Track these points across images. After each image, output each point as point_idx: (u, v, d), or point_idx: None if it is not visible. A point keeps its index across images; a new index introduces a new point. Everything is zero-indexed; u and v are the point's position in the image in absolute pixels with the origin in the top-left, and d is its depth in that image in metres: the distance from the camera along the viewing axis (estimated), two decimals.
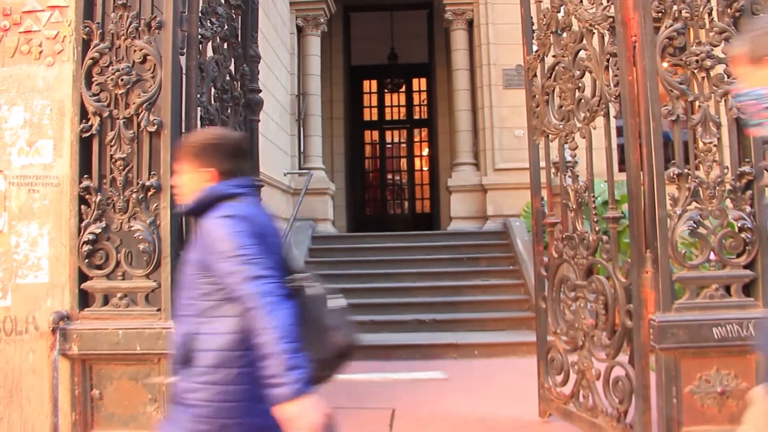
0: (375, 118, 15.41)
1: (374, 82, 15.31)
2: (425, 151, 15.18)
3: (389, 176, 15.49)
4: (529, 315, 7.28)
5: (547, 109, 4.11)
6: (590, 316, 3.66)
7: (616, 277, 3.39)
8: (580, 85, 3.76)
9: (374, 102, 15.37)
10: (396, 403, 4.87)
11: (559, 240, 3.95)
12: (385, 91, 15.42)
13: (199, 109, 3.58)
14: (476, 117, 10.23)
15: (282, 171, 9.11)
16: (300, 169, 9.81)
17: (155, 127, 3.26)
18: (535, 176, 4.35)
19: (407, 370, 6.09)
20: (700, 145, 3.20)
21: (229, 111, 4.14)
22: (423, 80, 15.02)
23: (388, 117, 15.49)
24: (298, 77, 10.19)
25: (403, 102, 15.43)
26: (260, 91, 4.70)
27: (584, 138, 3.71)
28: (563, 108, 3.90)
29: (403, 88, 15.41)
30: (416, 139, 15.44)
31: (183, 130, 3.41)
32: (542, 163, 4.30)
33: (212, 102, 3.80)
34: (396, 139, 15.57)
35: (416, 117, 15.43)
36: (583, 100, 3.71)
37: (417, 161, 15.39)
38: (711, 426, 3.04)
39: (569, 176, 3.90)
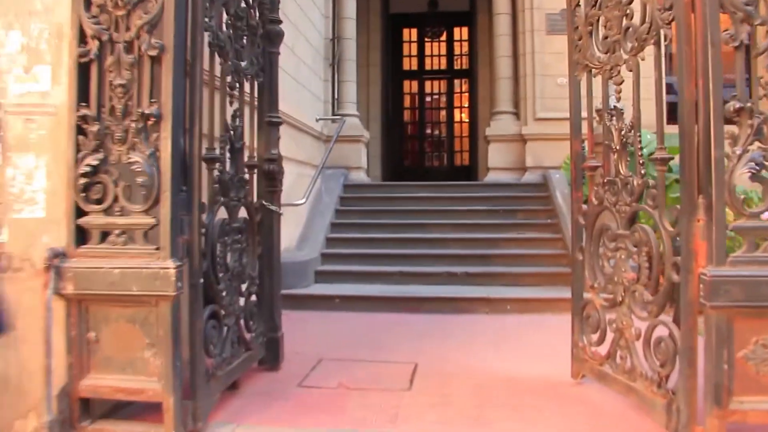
0: (415, 67, 14.94)
1: (414, 31, 14.78)
2: (465, 103, 14.72)
3: (428, 127, 15.09)
4: (566, 271, 6.89)
5: (590, 41, 3.70)
6: (632, 270, 3.32)
7: (663, 225, 3.02)
8: (627, 12, 3.34)
9: (414, 51, 14.86)
10: (420, 358, 4.61)
11: (600, 185, 3.58)
12: (426, 39, 14.90)
13: (207, 34, 3.29)
14: (517, 64, 9.72)
15: (314, 116, 8.80)
16: (333, 115, 9.47)
17: (156, 51, 2.97)
18: (575, 116, 3.97)
19: (435, 324, 5.83)
20: (767, 77, 2.78)
21: (245, 41, 3.83)
22: (464, 29, 14.48)
23: (428, 67, 15.01)
24: (333, 21, 9.78)
25: (443, 52, 14.89)
26: (281, 22, 4.37)
27: (631, 71, 3.31)
28: (608, 39, 3.49)
29: (444, 37, 14.87)
30: (456, 90, 14.97)
31: (188, 56, 3.13)
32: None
33: (223, 28, 3.49)
34: (436, 90, 15.11)
35: (457, 67, 14.93)
36: (630, 29, 3.29)
37: (457, 113, 14.95)
38: (766, 396, 2.70)
39: (612, 114, 3.50)
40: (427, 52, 14.89)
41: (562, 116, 9.07)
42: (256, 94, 4.19)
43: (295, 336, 5.21)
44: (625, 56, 3.35)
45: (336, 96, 9.74)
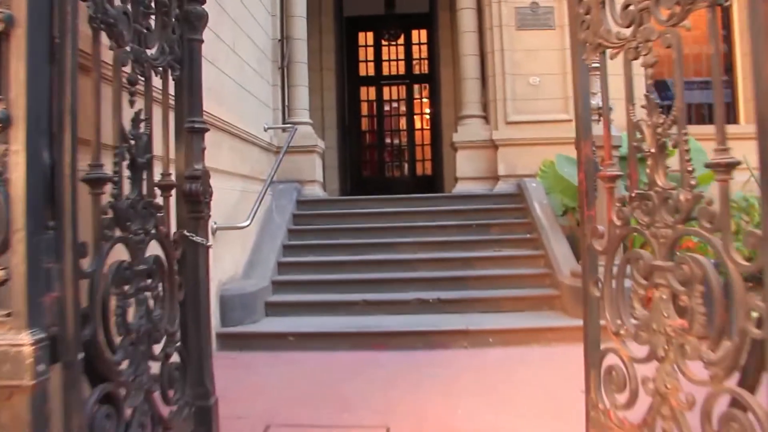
0: (372, 73, 14.12)
1: (370, 35, 14.00)
2: (426, 109, 13.97)
3: (388, 135, 14.28)
4: (551, 293, 6.13)
5: (602, 14, 2.85)
6: (678, 315, 2.46)
7: (731, 257, 2.17)
8: None
9: (371, 56, 14.08)
10: (392, 418, 3.72)
11: (625, 201, 2.73)
12: (383, 42, 14.11)
13: (86, 5, 2.34)
14: (485, 63, 8.91)
15: (262, 125, 7.85)
16: (284, 123, 8.53)
17: (2, 25, 2.02)
18: (583, 111, 3.12)
19: (407, 365, 4.94)
20: None
21: (152, 22, 2.89)
22: (423, 32, 13.84)
23: (385, 72, 14.21)
24: (281, 19, 8.85)
25: (402, 56, 14.15)
26: (203, 1, 3.43)
27: (669, 47, 2.46)
28: (631, 8, 2.64)
29: (402, 40, 14.11)
30: (416, 96, 14.22)
31: (54, 33, 2.18)
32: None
33: (115, 1, 2.55)
34: (395, 96, 14.31)
35: (416, 72, 14.17)
36: None
37: (417, 120, 14.20)
38: None
39: (643, 106, 2.65)
40: (385, 56, 14.15)
41: (536, 119, 8.35)
42: (171, 92, 3.24)
43: (238, 391, 4.29)
44: (657, 28, 2.50)
45: (287, 102, 8.80)
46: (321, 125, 11.27)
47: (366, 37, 13.99)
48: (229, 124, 6.22)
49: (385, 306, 6.09)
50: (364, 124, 14.16)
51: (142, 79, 2.82)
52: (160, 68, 2.98)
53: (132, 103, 2.66)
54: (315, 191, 8.44)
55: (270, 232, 7.12)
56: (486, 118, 8.81)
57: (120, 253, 2.57)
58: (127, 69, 2.66)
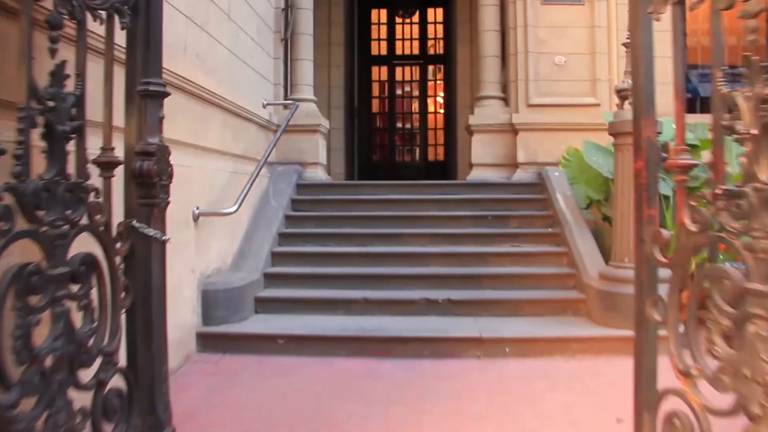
0: (384, 52, 13.40)
1: (384, 12, 13.26)
2: (440, 92, 13.26)
3: (399, 118, 13.58)
4: (575, 296, 5.46)
5: None
6: None
7: None
8: None
9: (383, 34, 13.33)
10: None
11: (706, 199, 2.05)
12: (396, 20, 13.37)
13: None
14: (506, 40, 8.18)
15: (260, 101, 7.18)
16: (285, 100, 7.86)
17: None
18: (645, 80, 2.40)
19: (411, 378, 4.29)
20: None
21: None
22: (439, 11, 13.04)
23: (399, 51, 13.49)
24: None
25: (416, 35, 13.40)
26: None
27: None
28: None
29: (417, 18, 13.36)
30: (430, 78, 13.49)
31: None
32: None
33: None
34: (408, 77, 13.59)
35: (431, 53, 13.44)
36: None
37: (430, 103, 13.48)
38: None
39: (735, 73, 1.97)
40: (398, 35, 13.38)
41: (561, 102, 7.60)
42: (119, 45, 2.56)
43: (211, 410, 3.70)
44: None
45: (289, 77, 8.12)
46: (327, 104, 10.59)
47: (379, 15, 13.26)
48: (220, 97, 5.55)
49: (389, 306, 5.44)
50: (375, 105, 13.47)
51: (76, 22, 2.16)
52: (101, 11, 2.31)
53: (53, 53, 2.00)
54: (317, 174, 7.77)
55: (265, 218, 6.47)
56: (505, 100, 8.09)
57: (29, 253, 1.92)
58: (49, 5, 2.01)
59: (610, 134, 5.21)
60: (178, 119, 4.76)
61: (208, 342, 4.94)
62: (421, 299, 5.42)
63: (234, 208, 5.09)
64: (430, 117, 13.40)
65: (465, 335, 4.81)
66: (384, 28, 13.30)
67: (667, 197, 5.69)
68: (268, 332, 4.94)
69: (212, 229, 5.29)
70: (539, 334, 4.84)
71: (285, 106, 7.60)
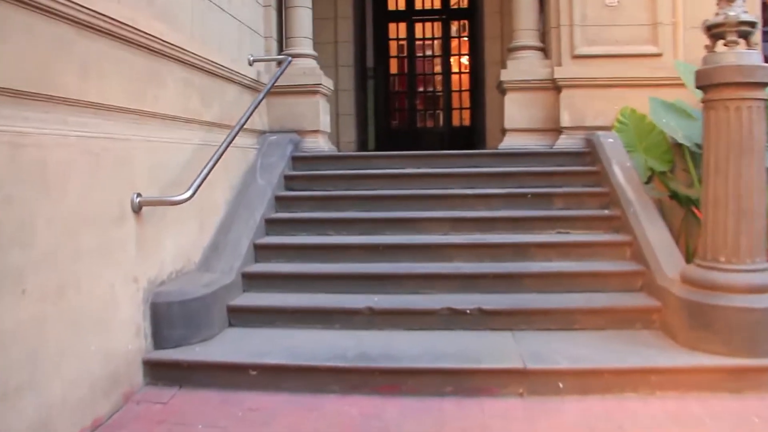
0: (402, 6, 11.95)
1: None
2: (465, 50, 11.84)
3: (420, 80, 12.18)
4: (646, 303, 4.15)
5: None
6: None
7: None
8: None
9: None
10: None
11: None
12: None
13: None
14: None
15: (244, 56, 5.87)
16: (279, 55, 6.52)
17: None
18: None
19: (426, 423, 3.04)
20: None
21: None
22: None
23: (418, 6, 12.03)
24: None
25: None
26: None
27: None
28: None
29: None
30: (454, 34, 12.04)
31: None
32: None
33: None
34: (428, 34, 12.15)
35: (453, 6, 11.97)
36: None
37: (454, 63, 12.05)
38: None
39: None
40: None
41: (612, 52, 5.93)
42: None
43: None
44: None
45: (284, 28, 6.77)
46: (334, 62, 9.18)
47: None
48: (179, 48, 4.26)
49: (400, 318, 4.15)
50: (393, 66, 12.07)
51: None
52: None
53: None
54: (317, 144, 6.43)
55: (248, 201, 5.18)
56: (545, 51, 6.63)
57: None
58: None
59: (698, 86, 3.81)
60: (109, 76, 3.49)
61: (160, 372, 3.71)
62: (442, 309, 4.12)
63: (187, 195, 3.78)
64: (454, 78, 11.99)
65: (502, 366, 3.50)
66: None
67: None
68: (237, 361, 3.68)
69: (167, 221, 4.03)
70: (604, 364, 3.52)
71: (279, 63, 6.26)
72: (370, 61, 11.05)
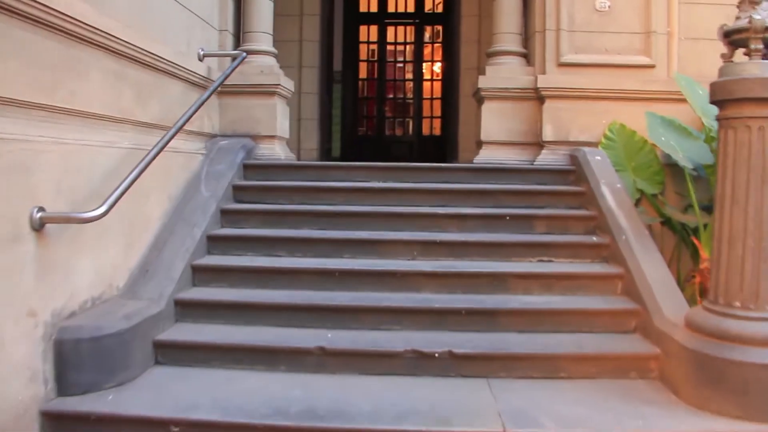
0: (375, 9, 11.38)
1: None
2: (438, 57, 11.36)
3: (390, 86, 11.62)
4: (642, 349, 3.59)
5: None
6: None
7: None
8: None
9: None
10: None
11: None
12: None
13: None
14: None
15: (193, 50, 5.22)
16: (234, 50, 5.88)
17: None
18: None
19: None
20: None
21: None
22: None
23: (391, 9, 11.48)
24: None
25: None
26: None
27: None
28: None
29: None
30: (427, 40, 11.53)
31: None
32: None
33: None
34: (401, 38, 11.61)
35: (428, 11, 11.45)
36: None
37: (426, 69, 11.56)
38: None
39: None
40: None
41: (601, 61, 5.13)
42: None
43: None
44: None
45: (242, 21, 6.12)
46: (298, 62, 8.51)
47: None
48: (106, 35, 3.60)
49: (358, 360, 3.52)
50: (363, 70, 11.48)
51: None
52: None
53: None
54: (273, 151, 5.77)
55: (187, 214, 4.51)
56: (527, 57, 6.08)
57: None
58: None
59: (713, 101, 3.26)
60: (6, 60, 2.83)
61: (62, 426, 3.04)
62: (407, 351, 3.51)
63: (99, 210, 3.11)
64: (426, 85, 11.47)
65: (478, 431, 2.90)
66: None
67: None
68: (155, 415, 3.01)
69: (84, 239, 3.36)
70: (600, 428, 2.94)
71: (234, 59, 5.60)
72: (337, 64, 10.42)
